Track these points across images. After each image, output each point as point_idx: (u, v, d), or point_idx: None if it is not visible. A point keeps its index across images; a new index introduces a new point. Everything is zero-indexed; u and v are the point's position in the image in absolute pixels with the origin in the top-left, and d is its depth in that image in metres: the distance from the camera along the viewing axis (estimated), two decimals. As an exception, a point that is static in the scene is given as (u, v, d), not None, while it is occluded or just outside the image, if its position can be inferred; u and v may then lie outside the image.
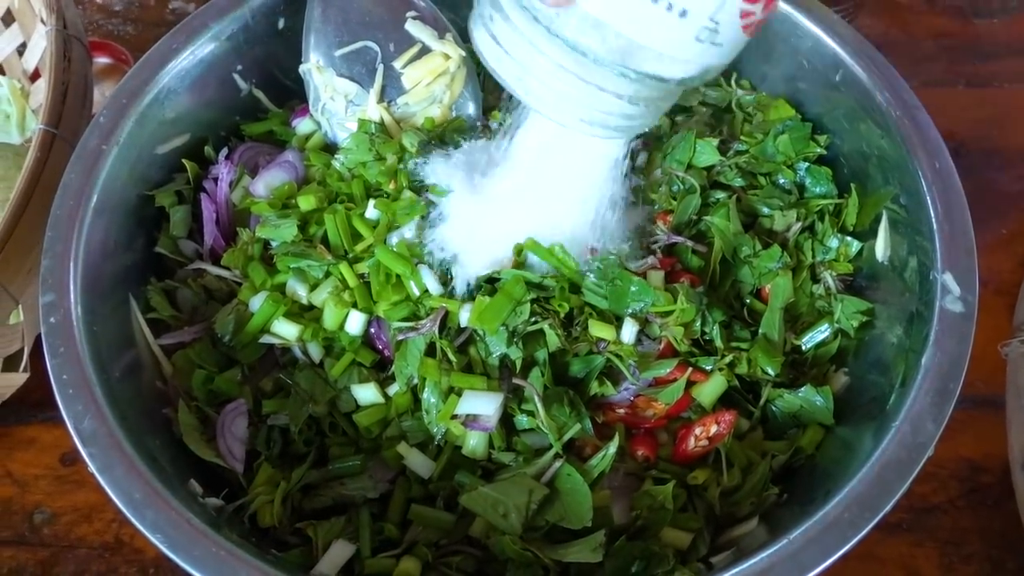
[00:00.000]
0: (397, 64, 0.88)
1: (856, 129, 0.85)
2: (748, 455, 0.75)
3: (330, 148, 0.91)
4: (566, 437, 0.71)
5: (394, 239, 0.79)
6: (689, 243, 0.82)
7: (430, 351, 0.74)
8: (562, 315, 0.75)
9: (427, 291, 0.76)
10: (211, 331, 0.79)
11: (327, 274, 0.78)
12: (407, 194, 0.81)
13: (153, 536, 0.60)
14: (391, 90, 0.89)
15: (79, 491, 0.87)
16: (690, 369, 0.76)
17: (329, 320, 0.76)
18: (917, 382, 0.67)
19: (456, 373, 0.72)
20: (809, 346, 0.81)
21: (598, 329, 0.74)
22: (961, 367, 0.66)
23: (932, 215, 0.74)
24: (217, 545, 0.61)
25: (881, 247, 0.81)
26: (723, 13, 0.54)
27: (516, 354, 0.73)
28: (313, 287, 0.78)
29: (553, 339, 0.74)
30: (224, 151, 0.89)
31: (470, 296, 0.76)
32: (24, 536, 0.85)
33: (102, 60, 1.16)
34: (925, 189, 0.75)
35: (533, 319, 0.74)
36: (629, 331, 0.75)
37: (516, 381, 0.73)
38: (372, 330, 0.77)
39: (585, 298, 0.76)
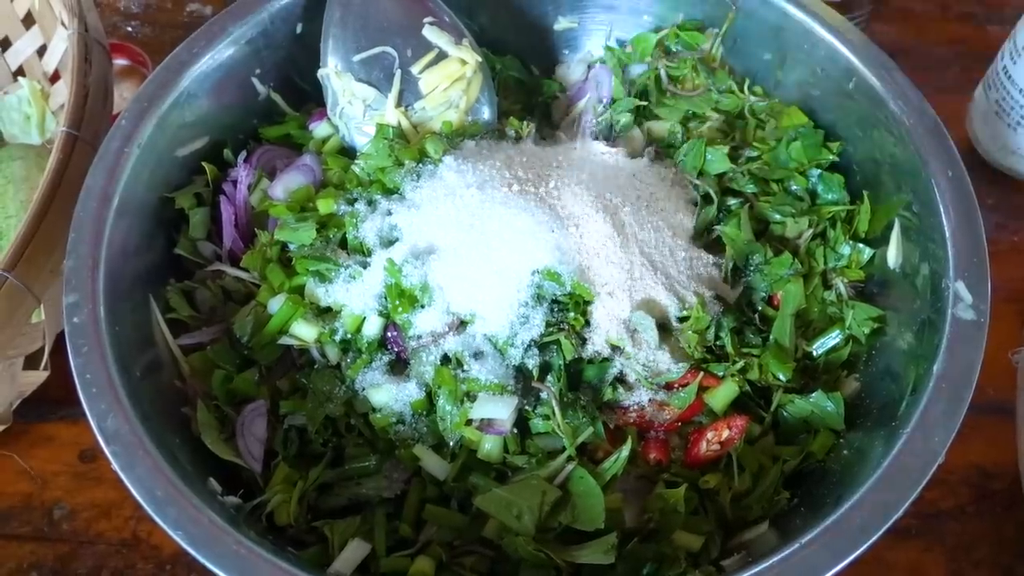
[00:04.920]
0: (415, 69, 0.89)
1: (869, 136, 0.86)
2: (759, 460, 0.76)
3: (347, 152, 0.93)
4: (579, 440, 0.72)
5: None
6: (704, 255, 0.83)
7: (445, 359, 0.75)
8: (578, 328, 0.76)
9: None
10: (229, 332, 0.80)
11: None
12: None
13: (175, 533, 0.61)
14: (408, 95, 0.90)
15: (97, 487, 0.88)
16: (702, 374, 0.76)
17: (347, 323, 0.77)
18: (928, 389, 0.67)
19: (471, 379, 0.73)
20: (820, 352, 0.82)
21: (613, 339, 0.75)
22: (973, 375, 0.67)
23: (945, 223, 0.74)
24: (237, 543, 0.62)
25: (893, 254, 0.82)
26: None
27: (533, 362, 0.74)
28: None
29: (569, 349, 0.75)
30: (242, 154, 0.90)
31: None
32: (43, 531, 0.86)
33: (120, 62, 1.17)
34: (938, 197, 0.76)
35: (550, 331, 0.75)
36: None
37: (535, 385, 0.74)
38: (390, 334, 0.78)
39: None
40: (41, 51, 1.07)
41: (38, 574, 0.84)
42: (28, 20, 1.06)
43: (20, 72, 1.09)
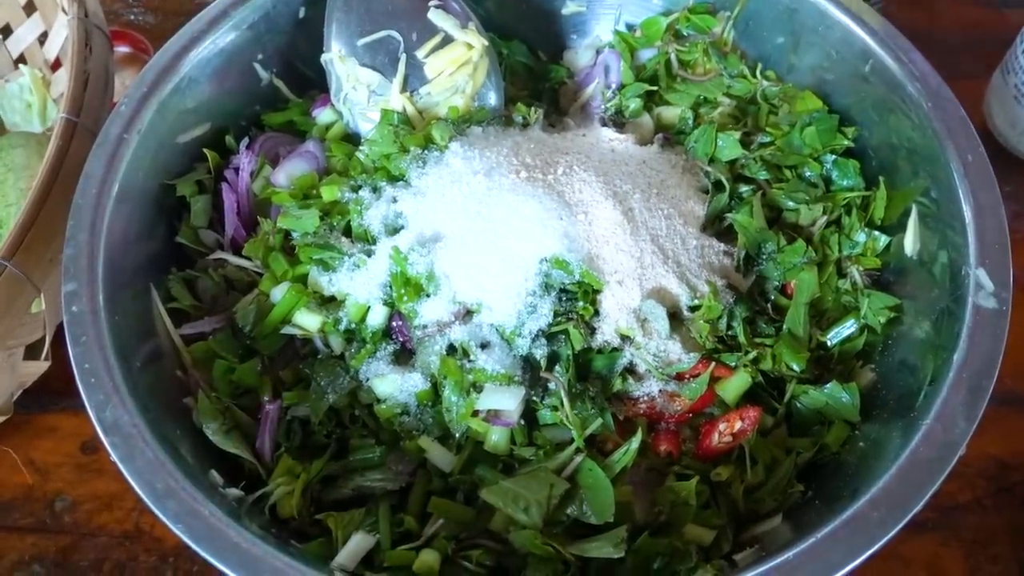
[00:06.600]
0: (420, 53, 0.88)
1: (885, 121, 0.84)
2: (772, 452, 0.75)
3: (351, 138, 0.91)
4: (588, 432, 0.71)
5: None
6: (716, 244, 0.81)
7: (451, 349, 0.74)
8: (587, 317, 0.74)
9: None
10: (232, 321, 0.79)
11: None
12: None
13: (175, 526, 0.60)
14: (413, 80, 0.88)
15: (99, 479, 0.87)
16: (713, 364, 0.75)
17: (351, 312, 0.76)
18: (948, 379, 0.65)
19: (477, 369, 0.72)
20: (835, 342, 0.80)
21: (623, 329, 0.74)
22: (994, 364, 0.65)
23: (965, 208, 0.72)
24: (238, 536, 0.61)
25: (910, 241, 0.80)
26: None
27: (540, 352, 0.73)
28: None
29: (577, 339, 0.73)
30: (245, 141, 0.89)
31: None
32: (45, 523, 0.85)
33: (122, 49, 1.16)
34: (957, 182, 0.74)
35: (558, 320, 0.74)
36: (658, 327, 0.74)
37: (543, 375, 0.72)
38: (394, 323, 0.77)
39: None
40: (43, 39, 1.06)
41: (40, 566, 0.83)
42: (29, 7, 1.05)
43: (21, 60, 1.08)
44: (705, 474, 0.73)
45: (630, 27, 1.00)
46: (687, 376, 0.75)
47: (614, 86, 0.96)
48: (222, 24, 0.85)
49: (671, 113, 0.93)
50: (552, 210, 0.76)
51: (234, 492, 0.69)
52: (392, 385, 0.74)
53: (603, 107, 0.95)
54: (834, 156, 0.87)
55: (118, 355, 0.68)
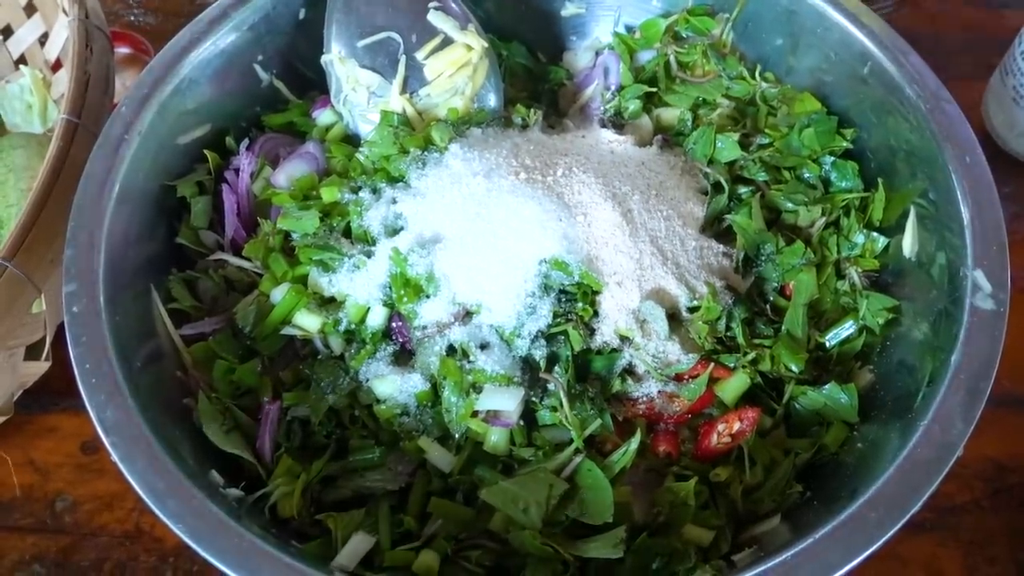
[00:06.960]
0: (419, 55, 0.88)
1: (884, 123, 0.84)
2: (771, 452, 0.75)
3: (351, 139, 0.91)
4: (587, 432, 0.71)
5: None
6: (715, 245, 0.81)
7: (450, 350, 0.74)
8: (586, 319, 0.75)
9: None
10: (232, 322, 0.79)
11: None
12: None
13: (175, 526, 0.61)
14: (413, 81, 0.88)
15: (100, 479, 0.87)
16: (712, 365, 0.75)
17: (351, 313, 0.76)
18: (946, 380, 0.66)
19: (477, 370, 0.72)
20: (833, 343, 0.80)
21: (622, 330, 0.74)
22: (992, 366, 0.65)
23: (963, 210, 0.73)
24: (238, 536, 0.61)
25: (908, 243, 0.80)
26: None
27: (540, 353, 0.73)
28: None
29: (577, 339, 0.74)
30: (245, 142, 0.89)
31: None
32: (46, 523, 0.85)
33: (123, 50, 1.16)
34: (955, 184, 0.74)
35: (557, 321, 0.74)
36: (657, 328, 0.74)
37: (543, 376, 0.73)
38: (394, 324, 0.77)
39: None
40: (43, 40, 1.06)
41: (40, 566, 0.83)
42: (30, 8, 1.05)
43: (22, 61, 1.08)
44: (704, 475, 0.73)
45: (629, 29, 1.01)
46: (686, 377, 0.76)
47: (613, 88, 0.96)
48: (222, 25, 0.85)
49: (670, 114, 0.93)
50: (551, 211, 0.76)
51: (234, 492, 0.69)
52: (392, 386, 0.74)
53: (602, 108, 0.95)
54: (833, 158, 0.87)
55: (119, 356, 0.68)
